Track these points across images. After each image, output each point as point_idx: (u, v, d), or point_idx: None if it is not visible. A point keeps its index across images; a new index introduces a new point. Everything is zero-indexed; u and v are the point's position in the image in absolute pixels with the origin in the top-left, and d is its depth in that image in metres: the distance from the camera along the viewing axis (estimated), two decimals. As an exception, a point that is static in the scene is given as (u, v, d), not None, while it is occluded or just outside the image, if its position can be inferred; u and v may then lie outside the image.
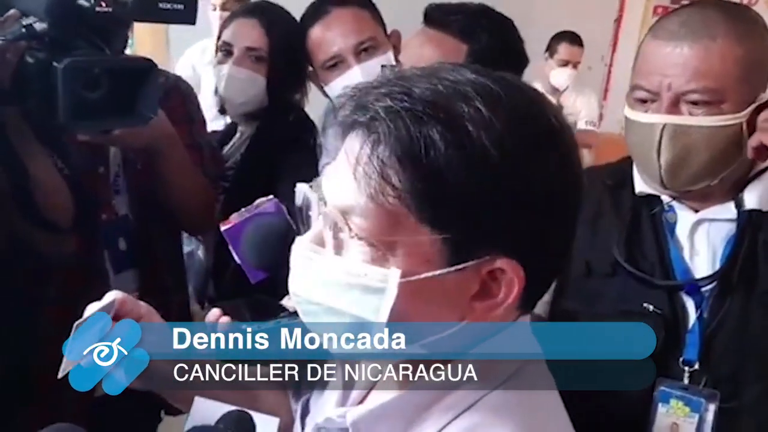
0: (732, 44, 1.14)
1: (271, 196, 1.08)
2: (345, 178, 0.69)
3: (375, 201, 0.68)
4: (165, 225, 1.79)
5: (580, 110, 4.37)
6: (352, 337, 0.72)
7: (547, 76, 4.35)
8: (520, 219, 0.68)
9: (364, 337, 0.71)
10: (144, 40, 4.09)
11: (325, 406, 0.88)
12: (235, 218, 1.07)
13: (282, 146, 1.80)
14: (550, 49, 4.32)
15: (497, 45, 1.39)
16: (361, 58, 1.68)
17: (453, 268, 0.68)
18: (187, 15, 1.29)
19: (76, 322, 0.83)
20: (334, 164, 0.72)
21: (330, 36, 1.70)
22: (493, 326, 0.73)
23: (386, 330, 0.69)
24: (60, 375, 0.84)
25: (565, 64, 4.27)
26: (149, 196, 1.72)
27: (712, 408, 1.17)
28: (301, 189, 0.79)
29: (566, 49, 4.26)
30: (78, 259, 1.64)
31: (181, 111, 1.74)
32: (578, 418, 0.83)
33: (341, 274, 0.70)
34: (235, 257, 1.06)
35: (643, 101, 1.20)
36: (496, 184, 0.66)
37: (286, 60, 1.87)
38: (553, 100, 4.35)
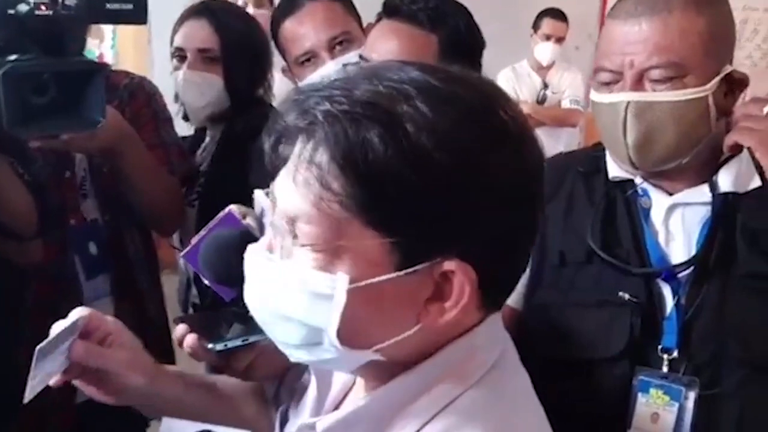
0: (691, 16, 1.11)
1: (228, 208, 1.04)
2: (288, 186, 0.68)
3: (317, 207, 0.66)
4: (136, 227, 1.77)
5: (564, 88, 4.36)
6: (306, 345, 0.70)
7: (533, 51, 4.35)
8: (467, 220, 0.66)
9: (318, 345, 0.69)
10: (126, 41, 4.08)
11: (302, 413, 0.87)
12: (194, 240, 1.04)
13: (249, 142, 1.76)
14: (535, 24, 4.36)
15: (462, 31, 1.35)
16: (335, 53, 1.64)
17: (402, 272, 0.66)
18: (137, 15, 1.26)
19: (38, 347, 0.81)
20: (282, 171, 0.71)
21: (302, 31, 1.66)
22: (457, 327, 0.71)
23: (338, 337, 0.67)
24: (26, 400, 0.83)
25: (548, 38, 4.29)
26: (118, 199, 1.70)
27: (692, 396, 1.14)
28: (259, 196, 0.76)
29: (549, 24, 4.33)
30: (49, 267, 1.62)
31: (147, 111, 1.73)
32: (557, 411, 0.80)
33: (290, 281, 0.69)
34: (204, 280, 1.02)
35: (607, 83, 1.17)
36: (439, 186, 0.64)
37: (241, 56, 1.84)
38: (539, 77, 4.37)
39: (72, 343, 0.86)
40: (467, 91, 0.68)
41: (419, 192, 0.64)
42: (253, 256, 0.74)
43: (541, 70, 4.37)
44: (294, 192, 0.67)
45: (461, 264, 0.66)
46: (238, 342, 0.92)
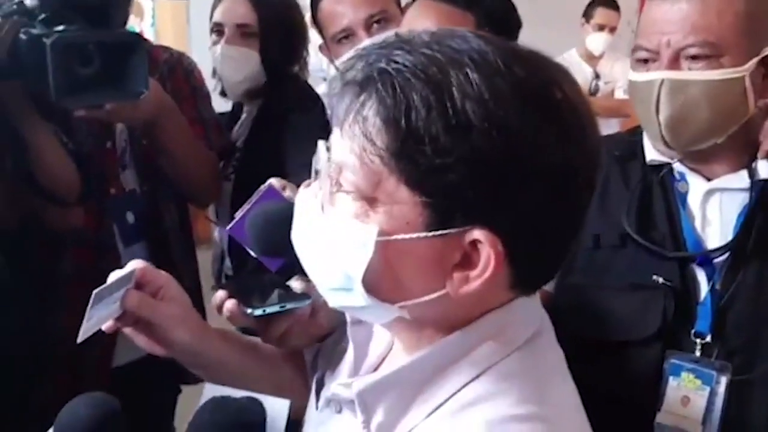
0: None
1: (268, 182, 1.06)
2: (336, 136, 0.71)
3: (359, 158, 0.68)
4: (173, 199, 1.80)
5: (618, 78, 4.26)
6: (339, 289, 0.73)
7: (584, 41, 4.25)
8: (501, 193, 0.66)
9: (349, 290, 0.71)
10: (165, 18, 4.12)
11: (339, 377, 0.88)
12: (238, 215, 1.06)
13: (285, 116, 1.78)
14: (587, 14, 4.23)
15: (498, 9, 1.35)
16: (373, 32, 1.63)
17: (431, 234, 0.67)
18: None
19: (96, 290, 0.84)
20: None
21: (340, 9, 1.65)
22: (483, 301, 0.72)
23: (364, 286, 0.69)
24: (79, 340, 0.85)
25: (601, 28, 4.17)
26: (156, 171, 1.73)
27: (723, 381, 1.14)
28: (320, 146, 0.78)
29: (602, 13, 4.18)
30: (87, 234, 1.66)
31: (185, 86, 1.75)
32: (588, 392, 0.81)
33: (330, 225, 0.72)
34: (251, 252, 1.04)
35: (645, 61, 1.17)
36: (476, 154, 0.64)
37: (277, 32, 1.87)
38: (589, 67, 4.25)
39: (126, 291, 0.89)
40: (522, 67, 0.67)
41: (454, 157, 0.64)
42: (303, 196, 0.78)
43: (592, 60, 4.24)
44: (341, 141, 0.70)
45: (489, 235, 0.66)
46: (276, 308, 0.94)
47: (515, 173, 0.65)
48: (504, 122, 0.64)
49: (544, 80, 0.68)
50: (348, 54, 0.74)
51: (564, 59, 4.21)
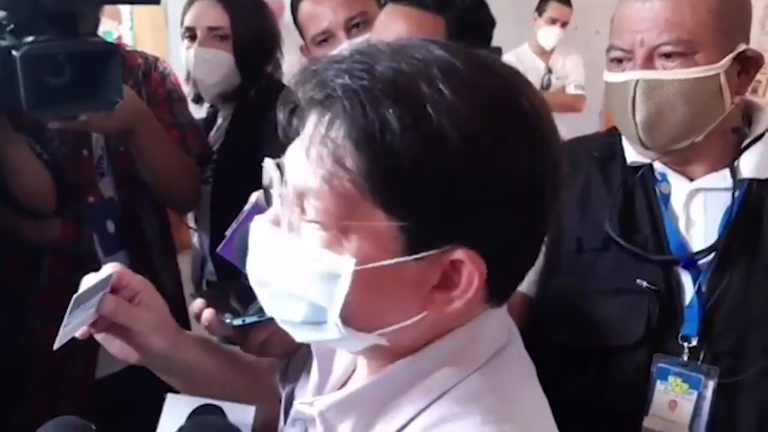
0: None
1: (253, 197, 1.04)
2: (300, 159, 0.66)
3: (328, 183, 0.64)
4: (152, 206, 1.78)
5: (569, 73, 4.30)
6: (309, 323, 0.69)
7: (536, 35, 4.28)
8: (482, 209, 0.64)
9: (321, 324, 0.68)
10: (143, 22, 4.08)
11: (305, 396, 0.86)
12: (228, 233, 1.05)
13: (261, 116, 1.76)
14: (539, 8, 4.28)
15: (470, 12, 1.32)
16: (352, 34, 1.62)
17: (410, 257, 0.64)
18: (152, -4, 1.24)
19: (75, 295, 0.81)
20: (294, 143, 0.69)
21: (320, 10, 1.64)
22: (461, 317, 0.70)
23: (340, 318, 0.66)
24: (56, 346, 0.83)
25: (553, 22, 4.22)
26: (134, 177, 1.71)
27: (711, 384, 1.13)
28: (268, 165, 0.75)
29: (554, 8, 4.26)
30: (65, 244, 1.63)
31: (161, 91, 1.73)
32: (575, 398, 0.80)
33: (295, 257, 0.67)
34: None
35: (619, 61, 1.16)
36: (455, 172, 0.62)
37: (250, 33, 1.87)
38: (542, 62, 4.29)
39: (103, 296, 0.86)
40: (491, 77, 0.66)
41: (434, 176, 0.62)
42: (258, 227, 0.72)
43: (544, 54, 4.30)
44: (306, 166, 0.65)
45: (471, 254, 0.64)
46: (254, 318, 0.92)
47: (491, 187, 0.63)
48: (479, 136, 0.62)
49: (511, 90, 0.67)
50: (301, 69, 0.70)
51: (517, 53, 4.25)
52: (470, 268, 0.65)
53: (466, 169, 0.62)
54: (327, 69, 0.65)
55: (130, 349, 0.90)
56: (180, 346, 0.93)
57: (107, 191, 1.71)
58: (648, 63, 1.12)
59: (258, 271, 0.72)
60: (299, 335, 0.73)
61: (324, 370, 0.83)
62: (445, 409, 0.69)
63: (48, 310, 1.51)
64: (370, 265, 0.64)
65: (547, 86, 4.31)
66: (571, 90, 4.34)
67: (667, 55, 1.10)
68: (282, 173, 0.70)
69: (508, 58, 4.23)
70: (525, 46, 4.34)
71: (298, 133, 0.68)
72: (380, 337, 0.68)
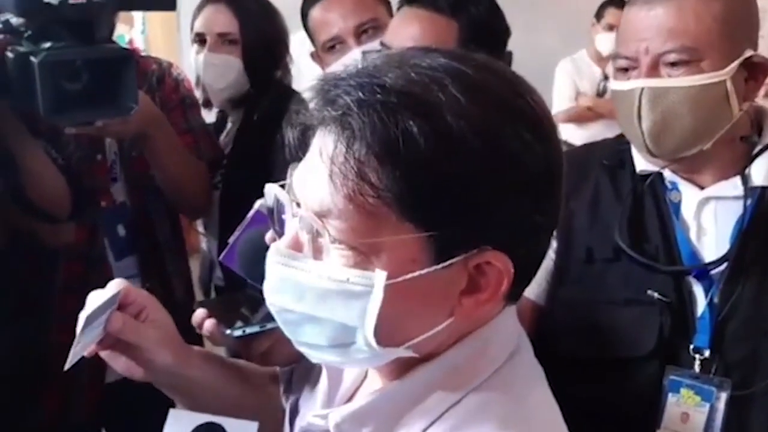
0: (707, 0, 1.09)
1: (256, 205, 1.04)
2: (320, 180, 0.65)
3: (353, 202, 0.63)
4: (163, 210, 1.79)
5: None
6: (337, 345, 0.68)
7: (593, 41, 4.21)
8: (504, 208, 0.65)
9: (350, 345, 0.68)
10: (155, 26, 4.10)
11: (313, 406, 0.85)
12: (230, 240, 1.05)
13: (270, 122, 1.77)
14: (598, 14, 4.21)
15: (484, 18, 1.32)
16: (362, 40, 1.63)
17: (440, 266, 0.65)
18: (167, 1, 1.25)
19: (82, 314, 0.82)
20: (306, 163, 0.68)
21: (330, 17, 1.65)
22: (479, 320, 0.71)
23: (373, 335, 0.65)
24: (67, 366, 0.83)
25: (611, 28, 4.14)
26: (146, 182, 1.73)
27: (723, 396, 1.12)
28: (271, 190, 0.74)
29: (613, 14, 4.13)
30: (78, 248, 1.64)
31: (174, 96, 1.75)
32: (586, 409, 0.80)
33: (322, 280, 0.66)
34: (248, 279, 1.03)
35: (625, 70, 1.16)
36: (479, 174, 0.63)
37: (259, 39, 1.88)
38: (598, 68, 4.22)
39: (110, 314, 0.86)
40: (496, 78, 0.67)
41: (458, 181, 0.62)
42: (276, 257, 0.70)
43: (601, 61, 4.19)
44: (327, 186, 0.64)
45: (498, 254, 0.65)
46: (256, 328, 0.92)
47: (512, 183, 0.64)
48: (495, 137, 0.63)
49: (516, 91, 0.67)
50: (307, 87, 0.70)
51: (573, 59, 4.20)
52: (498, 268, 0.65)
53: (487, 168, 0.63)
54: (335, 86, 0.65)
55: (135, 365, 0.90)
56: (185, 362, 0.92)
57: (119, 196, 1.73)
58: (653, 71, 1.11)
59: (278, 298, 0.70)
60: (322, 358, 0.72)
61: (334, 379, 0.82)
62: (462, 416, 0.69)
63: (61, 314, 1.52)
64: (401, 278, 0.64)
65: (603, 92, 4.20)
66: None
67: (673, 63, 1.10)
68: (291, 195, 0.69)
69: (564, 64, 4.20)
70: (582, 52, 4.26)
71: (305, 153, 0.68)
72: (408, 349, 0.68)
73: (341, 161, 0.63)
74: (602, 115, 4.06)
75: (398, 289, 0.64)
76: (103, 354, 0.89)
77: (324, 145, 0.65)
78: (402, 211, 0.63)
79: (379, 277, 0.64)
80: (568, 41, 4.27)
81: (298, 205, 0.69)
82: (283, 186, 0.72)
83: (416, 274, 0.64)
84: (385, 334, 0.66)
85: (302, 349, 0.73)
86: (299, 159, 0.69)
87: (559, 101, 4.14)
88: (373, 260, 0.64)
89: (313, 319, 0.68)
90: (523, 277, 0.70)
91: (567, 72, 4.20)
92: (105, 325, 0.86)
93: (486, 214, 0.64)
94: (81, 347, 0.84)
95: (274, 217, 0.76)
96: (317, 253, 0.67)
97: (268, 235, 0.89)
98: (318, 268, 0.66)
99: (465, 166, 0.62)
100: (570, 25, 4.37)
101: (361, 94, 0.63)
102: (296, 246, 0.69)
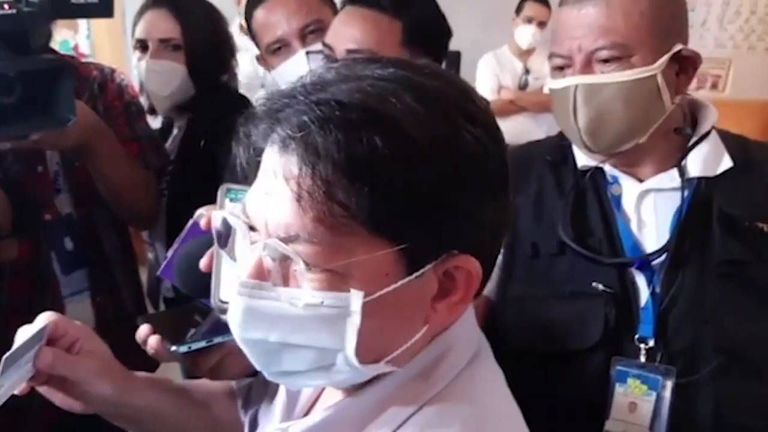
0: None
1: (195, 215, 1.02)
2: (283, 204, 0.63)
3: (323, 224, 0.62)
4: (111, 221, 1.75)
5: (547, 74, 4.28)
6: (316, 368, 0.68)
7: (514, 35, 4.31)
8: (468, 211, 0.66)
9: (330, 366, 0.67)
10: (101, 31, 4.03)
11: (272, 419, 0.85)
12: (168, 253, 1.03)
13: (216, 126, 1.75)
14: (518, 9, 4.31)
15: (427, 18, 1.33)
16: (307, 42, 1.62)
17: (413, 276, 0.65)
18: (103, 9, 1.23)
19: (6, 355, 0.78)
20: (261, 186, 0.66)
21: (274, 19, 1.63)
22: (449, 323, 0.72)
23: (354, 355, 0.65)
24: None
25: (529, 21, 4.25)
26: (92, 193, 1.67)
27: (669, 384, 1.14)
28: (218, 215, 0.73)
29: (531, 7, 4.27)
30: (23, 264, 1.60)
31: (118, 103, 1.70)
32: (536, 403, 0.81)
33: (295, 307, 0.64)
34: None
35: (561, 68, 1.18)
36: (445, 180, 0.63)
37: (203, 43, 1.85)
38: (519, 62, 4.31)
39: (39, 349, 0.83)
40: (447, 85, 0.68)
41: (425, 191, 0.62)
42: (241, 290, 0.66)
43: (522, 55, 4.32)
44: (292, 210, 0.62)
45: (465, 257, 0.66)
46: (202, 344, 0.90)
47: (473, 184, 0.65)
48: (455, 143, 0.64)
49: (467, 96, 0.69)
50: (255, 104, 0.68)
51: (496, 54, 4.29)
52: (467, 271, 0.66)
53: (452, 174, 0.64)
54: (288, 105, 0.64)
55: (72, 400, 0.87)
56: (127, 391, 0.90)
57: (64, 208, 1.67)
58: (587, 68, 1.14)
59: (250, 333, 0.67)
60: (302, 383, 0.71)
61: (292, 392, 0.81)
62: (421, 425, 0.69)
63: (9, 333, 1.48)
64: (377, 294, 0.64)
65: (524, 86, 4.32)
66: (547, 90, 4.31)
67: (605, 60, 1.13)
68: (246, 221, 0.67)
69: (487, 59, 4.29)
70: (504, 48, 4.37)
71: (255, 174, 0.67)
72: (388, 364, 0.68)
73: (309, 183, 0.61)
74: (524, 108, 4.19)
75: (374, 305, 0.64)
76: (41, 389, 0.87)
77: (284, 166, 0.63)
78: (373, 227, 0.63)
79: (355, 297, 0.63)
80: (489, 33, 4.36)
81: (252, 228, 0.67)
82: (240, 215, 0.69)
83: (391, 288, 0.64)
84: (364, 351, 0.66)
85: (279, 380, 0.72)
86: (249, 181, 0.68)
87: (482, 95, 4.25)
88: (347, 280, 0.64)
89: (290, 347, 0.66)
90: (486, 276, 0.71)
91: (490, 66, 4.30)
92: (34, 361, 0.83)
93: (454, 219, 0.65)
94: (5, 390, 0.80)
95: (222, 241, 0.76)
96: (285, 279, 0.65)
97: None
98: (288, 294, 0.65)
99: (431, 174, 0.63)
100: (491, 17, 4.50)
101: (319, 112, 0.61)
102: (260, 275, 0.66)
